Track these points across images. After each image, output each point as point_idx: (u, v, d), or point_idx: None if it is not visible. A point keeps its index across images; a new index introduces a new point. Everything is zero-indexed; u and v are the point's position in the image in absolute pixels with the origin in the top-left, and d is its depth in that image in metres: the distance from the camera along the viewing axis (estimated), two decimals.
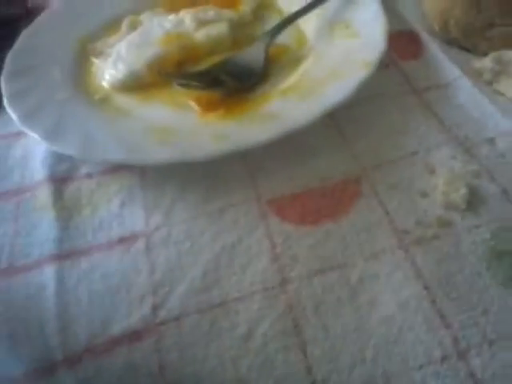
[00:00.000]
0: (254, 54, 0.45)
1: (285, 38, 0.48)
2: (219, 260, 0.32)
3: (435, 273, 0.30)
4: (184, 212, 0.35)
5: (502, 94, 0.41)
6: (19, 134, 0.42)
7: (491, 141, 0.37)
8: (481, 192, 0.34)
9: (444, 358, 0.26)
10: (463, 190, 0.33)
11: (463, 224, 0.32)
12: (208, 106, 0.41)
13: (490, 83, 0.42)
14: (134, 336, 0.29)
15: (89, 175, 0.38)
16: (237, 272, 0.31)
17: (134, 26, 0.51)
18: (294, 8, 0.48)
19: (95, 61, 0.49)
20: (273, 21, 0.49)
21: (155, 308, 0.30)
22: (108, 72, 0.46)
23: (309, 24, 0.49)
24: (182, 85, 0.44)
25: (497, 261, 0.30)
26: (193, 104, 0.42)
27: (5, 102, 0.41)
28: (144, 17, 0.51)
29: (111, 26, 0.52)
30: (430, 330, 0.27)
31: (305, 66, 0.44)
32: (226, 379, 0.27)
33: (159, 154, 0.36)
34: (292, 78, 0.43)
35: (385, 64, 0.44)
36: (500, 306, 0.28)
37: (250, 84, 0.43)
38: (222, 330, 0.29)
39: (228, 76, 0.43)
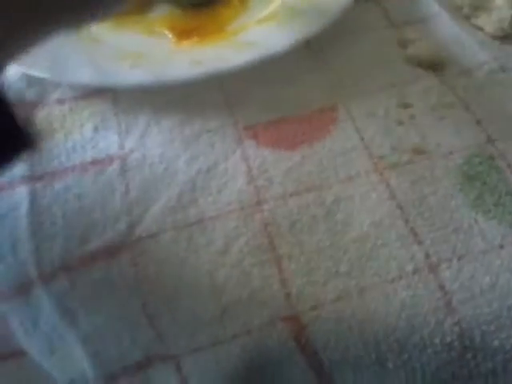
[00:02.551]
0: None
1: None
2: (195, 182, 0.32)
3: (409, 194, 0.30)
4: (159, 136, 0.35)
5: (480, 29, 0.41)
6: None
7: (468, 72, 0.38)
8: (455, 121, 0.34)
9: (415, 272, 0.27)
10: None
11: (438, 151, 0.33)
12: (182, 34, 0.40)
13: (468, 18, 0.42)
14: (110, 252, 0.29)
15: (60, 101, 0.37)
16: (213, 193, 0.31)
17: None
18: None
19: None
20: None
21: (131, 226, 0.30)
22: None
23: None
24: None
25: (468, 184, 0.31)
26: (167, 32, 0.41)
27: None
28: None
29: None
30: (402, 246, 0.28)
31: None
32: (203, 290, 0.27)
33: (133, 77, 0.35)
34: (270, 8, 0.42)
35: None
36: (470, 225, 0.29)
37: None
38: (198, 246, 0.29)
39: None
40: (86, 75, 0.35)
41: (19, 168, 0.33)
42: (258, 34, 0.39)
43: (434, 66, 0.38)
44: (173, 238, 0.29)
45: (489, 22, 0.40)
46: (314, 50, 0.39)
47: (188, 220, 0.30)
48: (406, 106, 0.36)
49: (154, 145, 0.34)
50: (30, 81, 0.38)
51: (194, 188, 0.31)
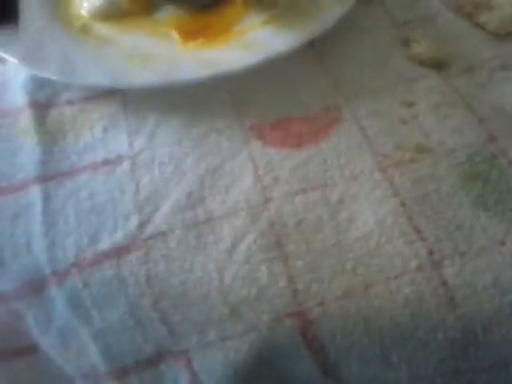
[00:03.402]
0: None
1: None
2: (203, 181, 0.33)
3: (412, 192, 0.31)
4: (167, 136, 0.35)
5: (482, 27, 0.41)
6: None
7: (471, 71, 0.38)
8: (458, 120, 0.35)
9: (419, 268, 0.28)
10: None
11: (440, 149, 0.33)
12: (188, 35, 0.41)
13: (470, 16, 0.42)
14: (121, 250, 0.30)
15: (70, 102, 0.38)
16: (221, 192, 0.32)
17: None
18: None
19: None
20: None
21: (141, 225, 0.31)
22: (86, 0, 0.45)
23: None
24: None
25: (470, 182, 0.31)
26: (174, 33, 0.42)
27: None
28: None
29: None
30: (406, 243, 0.29)
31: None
32: (211, 288, 0.28)
33: (142, 78, 0.36)
34: (274, 10, 0.43)
35: None
36: (472, 222, 0.30)
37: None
38: (207, 244, 0.30)
39: None
40: (95, 77, 0.36)
41: (32, 168, 0.34)
42: (264, 34, 0.39)
43: (437, 64, 0.39)
44: (182, 237, 0.30)
45: (490, 20, 0.41)
46: (318, 50, 0.40)
47: (197, 219, 0.31)
48: (409, 104, 0.36)
49: (162, 144, 0.35)
50: (42, 82, 0.38)
51: (203, 187, 0.32)
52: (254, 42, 0.39)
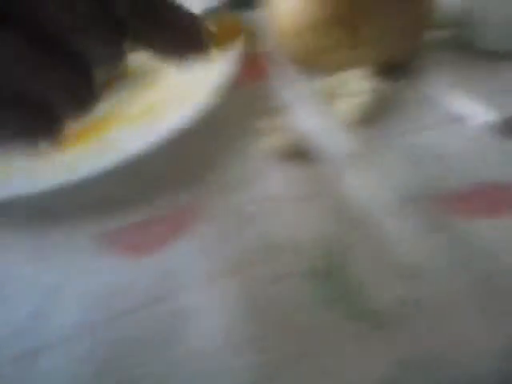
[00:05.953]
0: None
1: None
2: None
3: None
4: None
5: (337, 115, 0.43)
6: None
7: (328, 159, 0.40)
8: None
9: None
10: None
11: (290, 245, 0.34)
12: None
13: (325, 104, 0.44)
14: None
15: None
16: None
17: None
18: None
19: None
20: None
21: None
22: None
23: None
24: None
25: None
26: None
27: None
28: None
29: None
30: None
31: (149, 93, 0.45)
32: None
33: None
34: (134, 106, 0.44)
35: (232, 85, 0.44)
36: None
37: None
38: None
39: None
40: None
41: None
42: (121, 134, 0.40)
43: (296, 155, 0.40)
44: None
45: (343, 109, 0.43)
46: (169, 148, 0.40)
47: None
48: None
49: None
50: None
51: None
52: (112, 141, 0.39)
